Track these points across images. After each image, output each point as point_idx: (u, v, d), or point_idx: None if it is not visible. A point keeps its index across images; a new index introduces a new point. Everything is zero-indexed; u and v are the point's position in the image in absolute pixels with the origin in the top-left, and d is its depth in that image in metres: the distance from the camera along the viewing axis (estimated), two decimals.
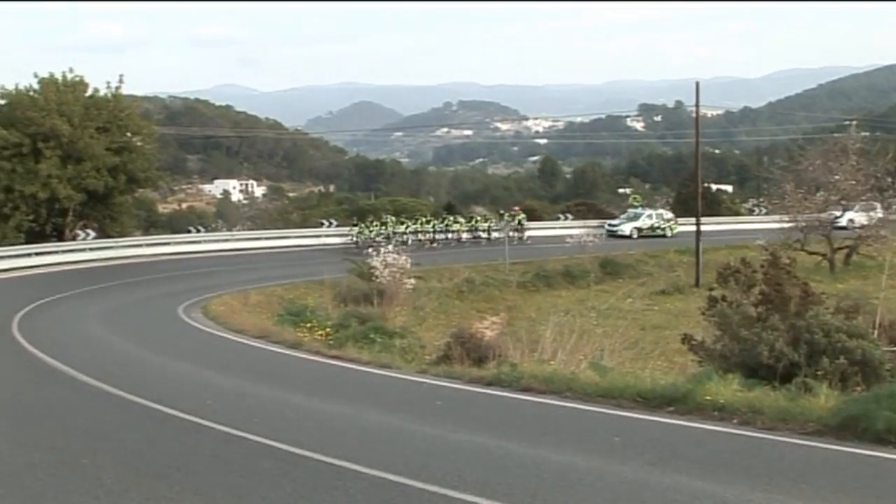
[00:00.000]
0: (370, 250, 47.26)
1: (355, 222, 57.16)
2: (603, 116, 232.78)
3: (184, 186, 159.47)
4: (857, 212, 62.88)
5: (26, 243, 47.79)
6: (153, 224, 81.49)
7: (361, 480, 10.61)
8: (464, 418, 14.51)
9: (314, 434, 13.21)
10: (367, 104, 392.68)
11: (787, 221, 52.67)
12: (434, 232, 58.03)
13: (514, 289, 44.81)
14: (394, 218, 57.27)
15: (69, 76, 52.19)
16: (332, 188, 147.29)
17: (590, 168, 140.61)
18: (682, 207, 69.09)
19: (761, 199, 76.47)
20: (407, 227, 56.83)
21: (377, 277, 38.39)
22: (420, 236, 57.10)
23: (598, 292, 42.46)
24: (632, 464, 11.23)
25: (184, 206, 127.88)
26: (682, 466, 11.07)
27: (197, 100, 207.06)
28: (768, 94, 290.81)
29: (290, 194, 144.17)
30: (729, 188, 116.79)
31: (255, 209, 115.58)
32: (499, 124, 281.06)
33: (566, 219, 69.21)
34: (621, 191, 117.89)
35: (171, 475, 11.06)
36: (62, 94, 50.74)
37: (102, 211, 53.24)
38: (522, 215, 62.82)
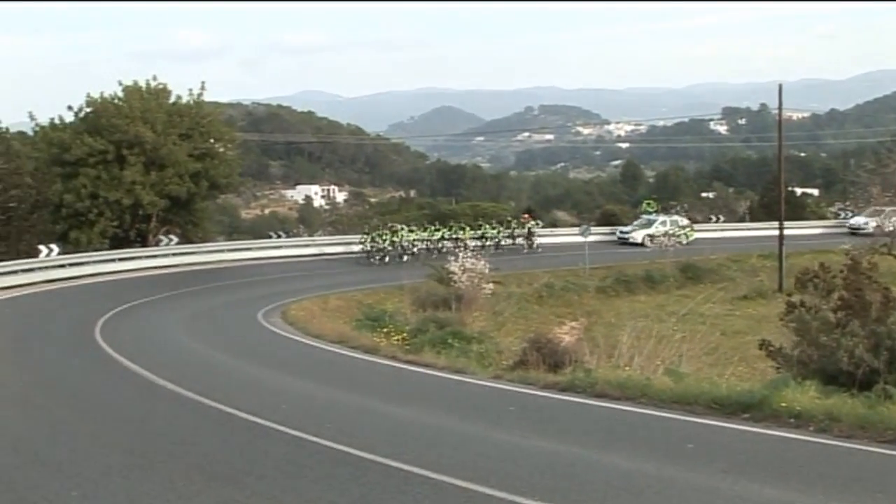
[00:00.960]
0: (382, 259, 50.17)
1: (366, 230, 54.47)
2: (686, 120, 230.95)
3: (266, 192, 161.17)
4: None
5: (111, 248, 48.59)
6: (236, 229, 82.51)
7: (429, 486, 10.63)
8: (535, 424, 14.46)
9: (385, 439, 13.23)
10: (448, 109, 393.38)
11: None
12: (443, 240, 54.99)
13: (593, 294, 44.52)
14: (405, 227, 54.81)
15: (153, 84, 52.94)
16: (412, 193, 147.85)
17: (672, 172, 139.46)
18: (765, 211, 68.14)
19: (847, 203, 74.97)
20: (417, 236, 54.28)
21: (455, 282, 38.36)
22: (429, 245, 54.38)
23: (678, 297, 42.09)
24: (703, 471, 11.11)
25: (266, 211, 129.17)
26: (755, 474, 10.92)
27: (280, 106, 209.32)
28: (856, 97, 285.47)
29: (372, 199, 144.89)
30: (815, 192, 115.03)
31: (336, 214, 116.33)
32: (580, 128, 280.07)
33: None
34: (704, 195, 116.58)
35: (242, 479, 11.17)
36: (146, 101, 51.42)
37: (185, 217, 53.88)
38: (533, 223, 60.71)
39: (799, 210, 73.07)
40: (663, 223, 62.44)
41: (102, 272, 44.11)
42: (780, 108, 51.52)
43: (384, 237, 51.95)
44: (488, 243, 55.60)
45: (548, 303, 42.64)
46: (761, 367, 22.43)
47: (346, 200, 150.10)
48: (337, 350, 24.70)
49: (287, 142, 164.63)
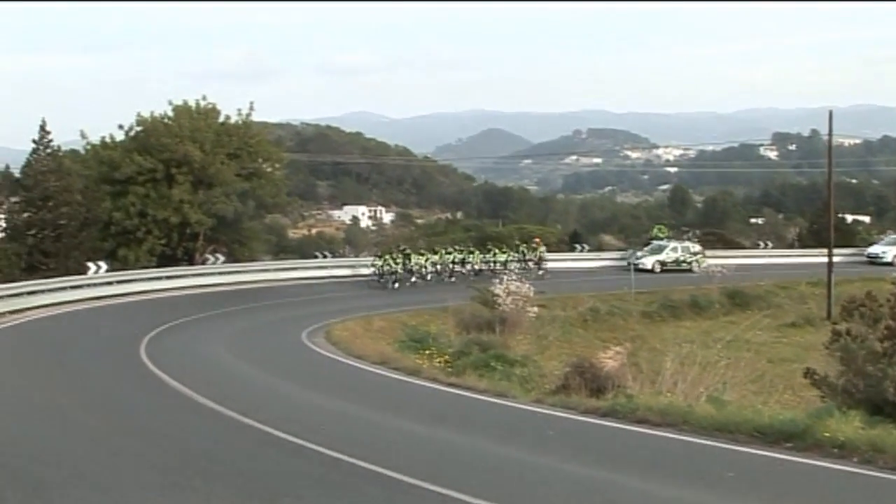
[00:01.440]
0: (394, 282, 49.12)
1: (378, 253, 53.30)
2: (735, 145, 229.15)
3: (314, 212, 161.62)
4: None
5: (158, 266, 48.96)
6: (283, 249, 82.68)
7: None
8: (574, 449, 14.38)
9: (423, 461, 13.22)
10: (496, 131, 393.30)
11: None
12: (453, 264, 53.77)
13: (638, 318, 44.26)
14: (412, 251, 53.78)
15: (202, 103, 53.41)
16: (459, 215, 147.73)
17: (721, 197, 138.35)
18: (815, 238, 67.47)
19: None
20: (427, 260, 52.84)
21: (500, 305, 38.26)
22: (438, 268, 53.00)
23: (724, 323, 41.69)
24: (743, 500, 11.00)
25: (313, 231, 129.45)
26: None
27: (328, 126, 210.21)
28: None
29: (418, 221, 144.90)
30: (867, 219, 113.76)
31: (382, 235, 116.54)
32: (629, 152, 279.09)
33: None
34: (753, 220, 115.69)
35: (279, 499, 11.18)
36: (195, 121, 51.83)
37: (232, 235, 54.20)
38: (543, 248, 58.97)
39: (849, 237, 72.27)
40: (674, 249, 61.72)
41: (149, 290, 44.42)
42: (829, 133, 51.14)
43: (396, 260, 50.82)
44: (497, 267, 54.00)
45: (592, 327, 42.43)
46: (808, 395, 22.19)
47: (392, 221, 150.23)
48: (379, 371, 24.70)
49: (335, 162, 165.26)
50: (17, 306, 37.09)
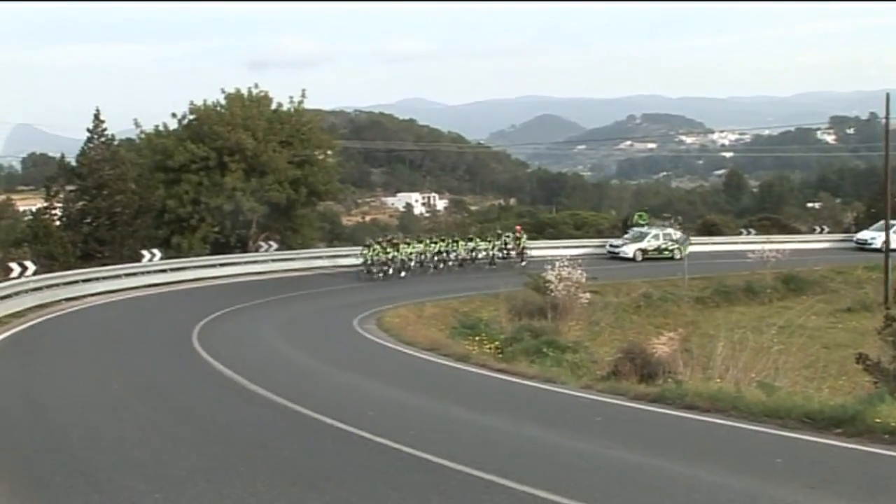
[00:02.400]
0: (386, 273, 47.05)
1: (368, 242, 49.58)
2: (792, 129, 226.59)
3: (367, 199, 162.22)
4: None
5: (212, 254, 49.26)
6: (337, 236, 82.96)
7: (509, 496, 10.56)
8: (622, 435, 14.29)
9: (468, 447, 13.19)
10: (549, 117, 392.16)
11: None
12: (438, 255, 51.14)
13: (691, 304, 43.90)
14: (406, 240, 51.85)
15: (254, 91, 53.59)
16: (512, 201, 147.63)
17: (777, 182, 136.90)
18: (872, 222, 66.62)
19: None
20: (413, 249, 50.23)
21: (552, 291, 38.13)
22: (423, 258, 50.38)
23: (779, 309, 41.21)
24: (789, 486, 10.84)
25: (367, 218, 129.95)
26: (844, 490, 10.63)
27: (382, 114, 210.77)
28: None
29: (472, 207, 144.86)
30: None
31: (436, 222, 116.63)
32: (683, 137, 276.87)
33: (749, 233, 67.29)
34: (810, 205, 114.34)
35: (322, 485, 11.20)
36: (247, 108, 51.99)
37: (284, 223, 54.36)
38: (525, 237, 55.40)
39: None
40: (656, 237, 59.21)
41: (203, 277, 44.78)
42: (887, 116, 50.34)
43: (387, 250, 48.37)
44: (480, 256, 52.91)
45: (645, 313, 42.14)
46: (863, 381, 21.86)
47: (446, 208, 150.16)
48: (428, 357, 24.72)
49: (388, 149, 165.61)
50: (73, 294, 37.57)
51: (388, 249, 48.23)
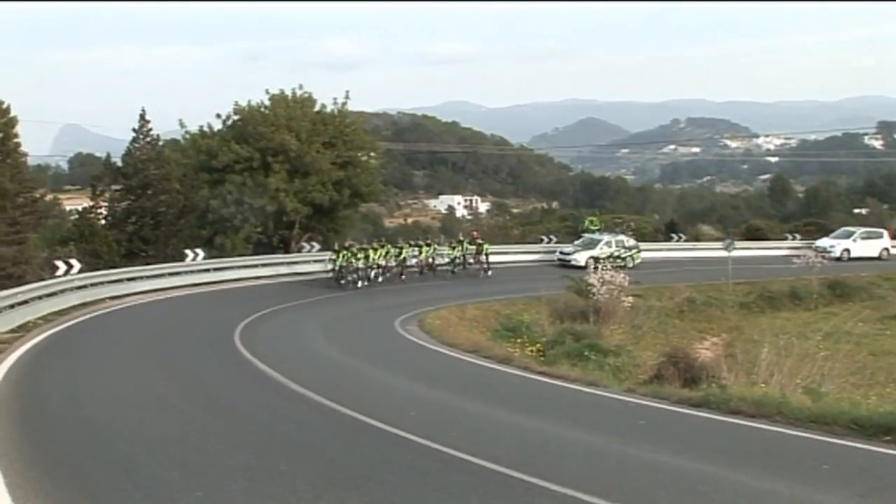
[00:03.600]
0: (349, 281, 43.47)
1: (337, 248, 45.47)
2: (839, 134, 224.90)
3: (410, 201, 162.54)
4: (856, 240, 59.60)
5: (254, 254, 49.40)
6: (378, 238, 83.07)
7: (550, 498, 10.48)
8: (665, 439, 14.14)
9: (510, 449, 13.09)
10: (592, 120, 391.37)
11: None
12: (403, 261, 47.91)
13: (735, 309, 43.57)
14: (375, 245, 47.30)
15: (298, 92, 53.70)
16: (555, 205, 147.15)
17: (823, 187, 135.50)
18: None
19: None
20: (379, 256, 46.32)
21: (594, 294, 37.97)
22: (384, 263, 46.76)
23: (824, 315, 40.89)
24: (837, 494, 10.67)
25: (409, 220, 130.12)
26: (893, 499, 10.45)
27: (424, 116, 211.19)
28: None
29: (514, 210, 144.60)
30: None
31: (477, 224, 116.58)
32: (728, 141, 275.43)
33: (793, 239, 66.63)
34: (857, 211, 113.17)
35: (363, 485, 11.15)
36: (291, 109, 52.05)
37: (327, 224, 54.42)
38: (486, 244, 51.67)
39: None
40: (608, 244, 55.97)
41: (246, 277, 44.91)
42: None
43: (357, 256, 44.60)
44: (442, 262, 50.07)
45: (688, 317, 41.89)
46: None
47: (488, 211, 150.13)
48: (470, 359, 24.63)
49: (431, 151, 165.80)
50: (118, 292, 37.80)
51: (359, 255, 44.81)
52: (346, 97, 54.82)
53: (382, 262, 46.58)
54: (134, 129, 52.10)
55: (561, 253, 56.51)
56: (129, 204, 51.35)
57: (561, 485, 10.85)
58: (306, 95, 53.87)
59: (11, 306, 28.71)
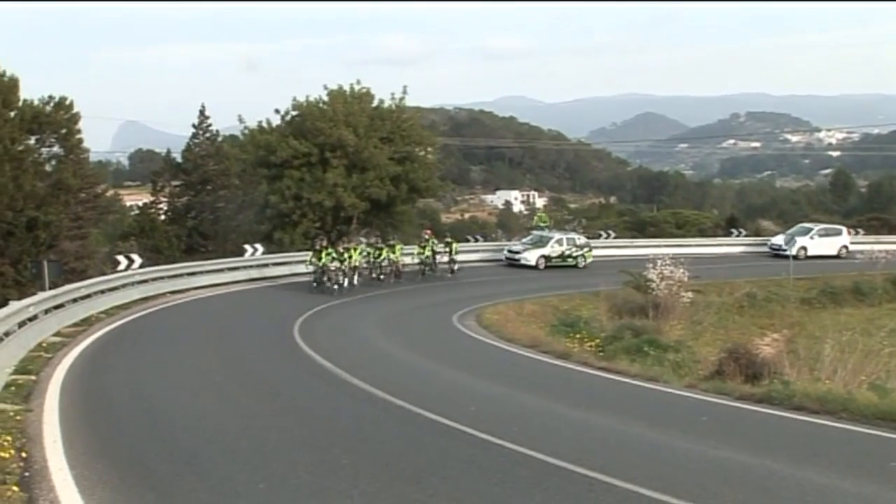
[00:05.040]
0: (328, 283, 39.54)
1: (318, 248, 40.73)
2: None
3: (466, 197, 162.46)
4: (813, 237, 57.39)
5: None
6: (435, 233, 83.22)
7: (613, 493, 10.39)
8: (728, 435, 14.00)
9: (572, 444, 13.03)
10: (651, 115, 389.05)
11: None
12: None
13: (797, 305, 43.03)
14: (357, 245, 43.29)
15: (356, 88, 53.73)
16: (613, 200, 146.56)
17: (887, 182, 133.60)
18: None
19: None
20: (361, 255, 42.38)
21: (653, 290, 37.72)
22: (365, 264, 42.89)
23: (889, 311, 40.36)
24: None
25: (466, 216, 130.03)
26: None
27: (481, 111, 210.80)
28: None
29: (571, 205, 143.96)
30: None
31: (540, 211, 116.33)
32: (789, 136, 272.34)
33: (857, 234, 65.65)
34: None
35: (425, 479, 11.13)
36: (349, 105, 52.04)
37: (385, 219, 54.37)
38: (455, 243, 48.33)
39: None
40: (559, 241, 52.70)
41: (303, 272, 45.00)
42: None
43: (343, 258, 40.63)
44: (411, 262, 46.11)
45: (749, 313, 41.46)
46: None
47: (545, 206, 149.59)
48: (529, 354, 24.56)
49: (487, 146, 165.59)
50: (178, 287, 38.06)
51: (344, 256, 40.89)
52: (404, 92, 54.78)
53: (356, 265, 41.55)
54: (193, 125, 52.65)
55: (509, 251, 53.41)
56: (188, 199, 51.84)
57: (624, 480, 10.77)
58: (364, 91, 53.87)
59: (74, 300, 28.99)
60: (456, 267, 46.81)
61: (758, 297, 43.41)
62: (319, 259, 40.15)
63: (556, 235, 54.22)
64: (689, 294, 38.87)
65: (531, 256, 51.42)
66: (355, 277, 41.35)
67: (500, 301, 36.78)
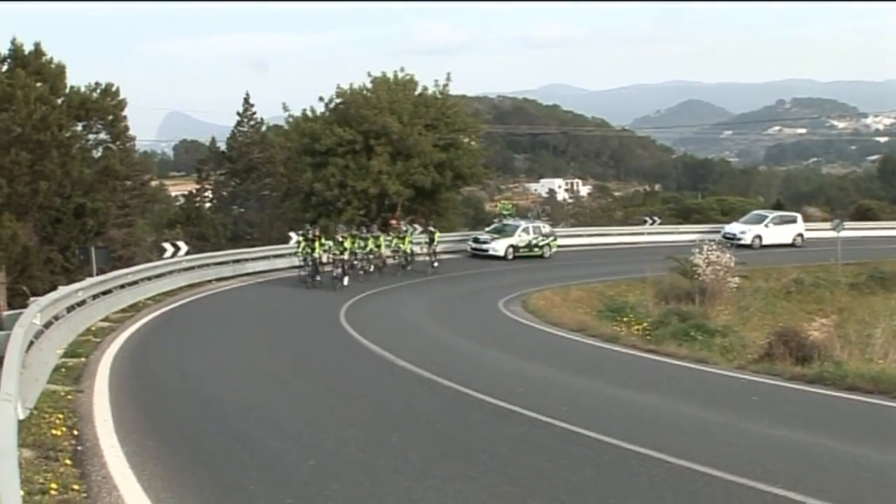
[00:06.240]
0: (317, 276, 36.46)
1: (310, 236, 37.33)
2: None
3: (511, 185, 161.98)
4: (768, 226, 55.70)
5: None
6: (480, 221, 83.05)
7: (666, 469, 10.30)
8: (781, 414, 13.86)
9: (622, 423, 12.95)
10: (695, 102, 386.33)
11: None
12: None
13: (846, 290, 42.58)
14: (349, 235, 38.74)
15: (400, 75, 53.73)
16: (657, 187, 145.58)
17: None
18: None
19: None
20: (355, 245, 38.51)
21: (700, 275, 37.47)
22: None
23: None
24: None
25: (510, 204, 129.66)
26: None
27: (525, 99, 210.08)
28: None
29: (616, 193, 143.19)
30: None
31: (579, 207, 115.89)
32: (835, 122, 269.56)
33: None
34: None
35: (475, 456, 11.08)
36: (393, 92, 52.03)
37: (429, 206, 54.31)
38: (437, 233, 45.05)
39: None
40: (526, 231, 50.50)
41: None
42: None
43: (343, 247, 37.26)
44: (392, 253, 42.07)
45: (796, 298, 41.07)
46: None
47: (589, 194, 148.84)
48: (576, 338, 24.50)
49: (531, 134, 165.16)
50: (224, 274, 38.30)
51: (345, 245, 37.40)
52: (448, 79, 54.69)
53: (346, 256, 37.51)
54: (238, 113, 52.83)
55: (475, 241, 50.67)
56: (234, 187, 52.04)
57: (677, 456, 10.68)
58: (408, 78, 53.84)
59: (122, 286, 29.20)
60: (435, 260, 43.45)
61: (805, 282, 43.04)
62: (312, 250, 36.77)
63: (523, 224, 52.52)
64: (736, 279, 38.54)
65: (499, 246, 49.14)
66: (376, 266, 39.22)
67: (546, 287, 36.78)
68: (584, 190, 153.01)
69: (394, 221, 47.75)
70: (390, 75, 53.55)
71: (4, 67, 39.31)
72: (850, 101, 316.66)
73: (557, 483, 9.93)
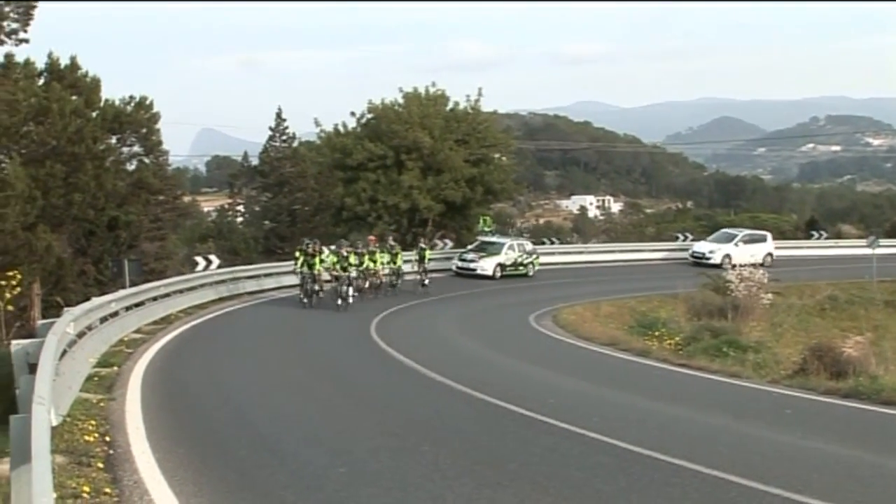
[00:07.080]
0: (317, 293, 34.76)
1: (311, 251, 34.94)
2: None
3: (541, 202, 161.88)
4: (738, 245, 54.25)
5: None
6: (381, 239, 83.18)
7: (699, 480, 10.22)
8: (815, 427, 13.76)
9: (654, 434, 12.87)
10: (727, 119, 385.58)
11: None
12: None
13: (881, 307, 42.24)
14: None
15: (431, 90, 53.83)
16: (689, 204, 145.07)
17: None
18: None
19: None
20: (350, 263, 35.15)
21: (732, 292, 37.29)
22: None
23: None
24: None
25: (541, 220, 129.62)
26: None
27: (556, 116, 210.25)
28: None
29: (647, 210, 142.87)
30: None
31: (610, 223, 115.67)
32: (870, 139, 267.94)
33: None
34: None
35: (506, 465, 11.05)
36: (424, 107, 52.11)
37: (460, 221, 54.37)
38: (426, 248, 42.80)
39: None
40: (511, 248, 48.59)
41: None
42: None
43: (351, 263, 35.14)
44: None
45: (830, 315, 40.78)
46: None
47: (621, 211, 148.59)
48: (607, 352, 24.45)
49: (562, 150, 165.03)
50: (256, 287, 38.38)
51: (350, 260, 35.13)
52: (479, 94, 54.72)
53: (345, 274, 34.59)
54: (270, 128, 52.99)
55: (461, 259, 48.15)
56: (265, 201, 52.21)
57: (709, 467, 10.60)
58: (439, 93, 53.92)
59: (154, 299, 29.32)
60: (425, 279, 41.08)
61: (840, 299, 42.75)
62: (311, 266, 34.71)
63: (508, 241, 50.32)
64: (769, 296, 38.35)
65: (487, 265, 47.03)
66: (372, 284, 37.79)
67: (577, 302, 36.81)
68: (616, 207, 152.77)
69: (372, 238, 42.60)
70: (422, 90, 53.67)
71: (40, 81, 39.49)
72: (886, 118, 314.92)
73: (588, 492, 9.89)
